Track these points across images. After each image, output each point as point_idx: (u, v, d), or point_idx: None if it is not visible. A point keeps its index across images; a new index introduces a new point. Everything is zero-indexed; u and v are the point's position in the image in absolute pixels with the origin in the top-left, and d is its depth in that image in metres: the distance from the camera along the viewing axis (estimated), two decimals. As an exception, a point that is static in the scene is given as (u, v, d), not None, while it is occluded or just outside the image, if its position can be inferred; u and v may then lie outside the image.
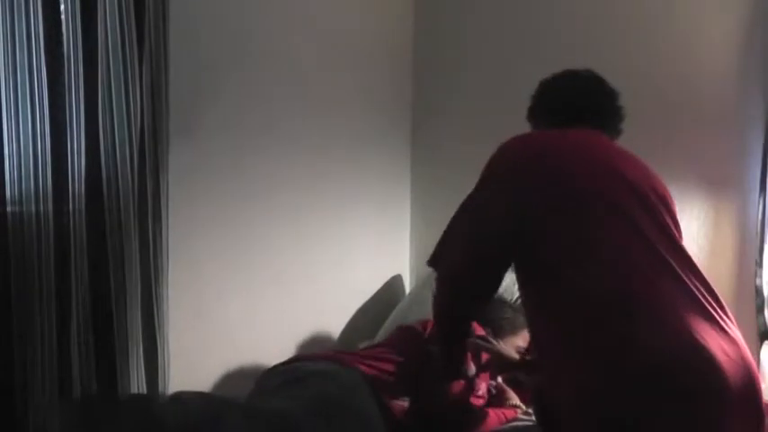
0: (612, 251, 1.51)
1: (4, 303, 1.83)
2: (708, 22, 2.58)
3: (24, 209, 1.84)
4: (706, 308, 1.48)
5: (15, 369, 1.84)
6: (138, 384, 2.11)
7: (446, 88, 3.25)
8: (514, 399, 2.45)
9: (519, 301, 2.64)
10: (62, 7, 1.88)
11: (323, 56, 2.82)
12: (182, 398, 1.88)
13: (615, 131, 1.81)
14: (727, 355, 1.42)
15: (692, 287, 1.49)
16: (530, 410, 2.42)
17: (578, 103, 1.80)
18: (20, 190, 1.83)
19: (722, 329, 1.47)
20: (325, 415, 1.95)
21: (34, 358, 1.85)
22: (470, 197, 1.71)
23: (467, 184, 3.29)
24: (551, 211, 1.56)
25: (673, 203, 1.67)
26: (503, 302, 2.54)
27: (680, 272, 1.50)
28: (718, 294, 1.55)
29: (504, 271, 1.67)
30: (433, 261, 1.77)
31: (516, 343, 2.39)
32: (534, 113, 1.87)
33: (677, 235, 1.59)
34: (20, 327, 1.84)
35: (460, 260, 1.69)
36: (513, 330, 2.42)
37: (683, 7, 2.64)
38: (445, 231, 1.76)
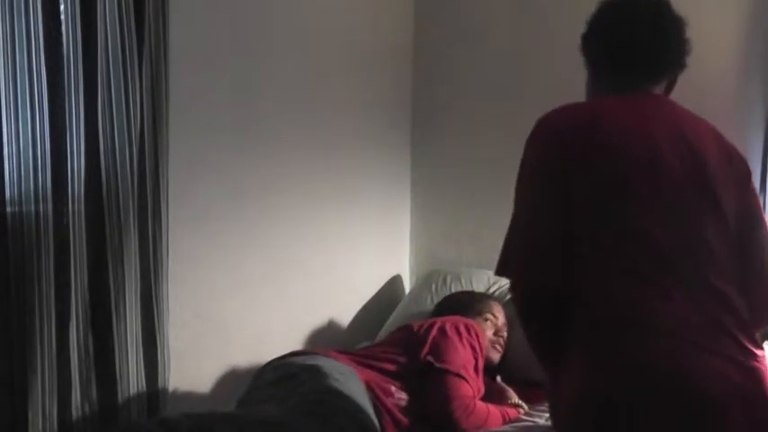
0: (621, 261, 1.40)
1: (4, 303, 1.82)
2: (708, 22, 2.58)
3: (24, 209, 1.84)
4: (714, 327, 1.36)
5: (15, 369, 1.84)
6: (137, 384, 2.11)
7: (446, 88, 3.25)
8: (515, 397, 2.46)
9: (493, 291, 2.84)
10: (62, 7, 1.88)
11: (323, 56, 2.82)
12: (168, 421, 1.88)
13: (679, 67, 1.61)
14: (726, 378, 1.31)
15: (704, 304, 1.37)
16: (532, 411, 2.42)
17: (632, 42, 1.58)
18: (19, 190, 1.83)
19: (731, 350, 1.34)
20: (316, 416, 1.95)
21: (34, 358, 1.85)
22: (516, 193, 1.55)
23: (467, 184, 3.31)
24: (571, 210, 1.45)
25: (728, 192, 1.48)
26: (466, 292, 2.84)
27: (696, 287, 1.38)
28: (741, 312, 1.41)
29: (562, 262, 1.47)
30: (501, 269, 1.58)
31: (481, 314, 2.62)
32: (587, 42, 1.64)
33: (714, 239, 1.42)
34: (19, 327, 1.84)
35: (522, 262, 1.51)
36: (473, 309, 2.65)
37: (683, 8, 2.64)
38: (506, 238, 1.57)
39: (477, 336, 2.47)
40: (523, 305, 1.53)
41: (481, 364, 2.45)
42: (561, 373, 1.44)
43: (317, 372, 2.15)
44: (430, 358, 2.33)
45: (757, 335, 1.44)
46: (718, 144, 1.52)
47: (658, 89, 1.60)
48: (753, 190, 1.55)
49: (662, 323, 1.35)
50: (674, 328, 1.35)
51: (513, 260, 1.53)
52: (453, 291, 2.97)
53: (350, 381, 2.16)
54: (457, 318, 2.54)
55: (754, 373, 1.34)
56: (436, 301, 2.92)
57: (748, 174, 1.55)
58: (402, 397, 2.27)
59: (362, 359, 2.37)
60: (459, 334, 2.43)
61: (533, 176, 1.52)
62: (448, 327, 2.44)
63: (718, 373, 1.31)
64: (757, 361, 1.36)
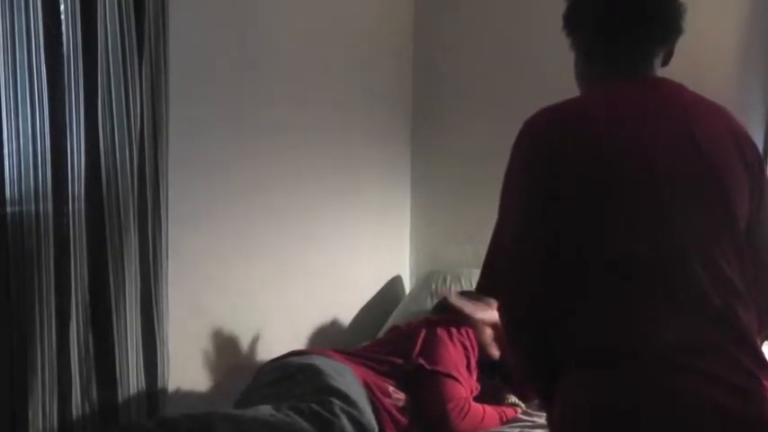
0: (615, 282, 1.32)
1: (4, 303, 1.82)
2: (708, 23, 2.58)
3: (24, 209, 1.84)
4: (711, 349, 1.28)
5: (15, 368, 1.84)
6: (137, 383, 2.11)
7: (446, 88, 3.25)
8: (512, 397, 2.45)
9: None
10: (62, 7, 1.88)
11: (323, 56, 2.82)
12: (167, 421, 1.88)
13: (676, 32, 1.47)
14: (719, 404, 1.23)
15: (702, 324, 1.29)
16: (529, 410, 2.42)
17: (621, 11, 1.44)
18: (19, 190, 1.83)
19: (727, 372, 1.26)
20: (315, 416, 1.94)
21: (34, 358, 1.85)
22: (501, 202, 1.44)
23: (467, 184, 3.31)
24: (560, 225, 1.35)
25: (741, 191, 1.37)
26: (466, 291, 2.78)
27: (694, 306, 1.30)
28: (744, 327, 1.31)
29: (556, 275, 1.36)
30: (489, 289, 1.50)
31: (486, 317, 2.54)
32: (570, 21, 1.51)
33: (719, 248, 1.32)
34: (20, 327, 1.84)
35: (512, 284, 1.40)
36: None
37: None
38: (488, 249, 1.47)
39: (467, 333, 2.46)
40: (516, 329, 1.42)
41: (474, 361, 2.43)
42: (555, 394, 1.37)
43: (314, 371, 2.14)
44: (421, 360, 2.31)
45: (759, 340, 1.38)
46: (730, 134, 1.40)
47: (657, 62, 1.48)
48: (765, 183, 1.43)
49: (657, 349, 1.27)
50: (669, 354, 1.27)
51: (500, 281, 1.42)
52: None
53: (347, 379, 2.15)
54: (446, 317, 2.54)
55: (752, 396, 1.26)
56: (436, 301, 2.92)
57: (761, 163, 1.42)
58: (399, 397, 2.27)
59: (358, 358, 2.36)
60: (450, 333, 2.41)
61: (519, 187, 1.40)
62: (438, 326, 2.42)
63: (710, 399, 1.24)
64: (757, 381, 1.28)
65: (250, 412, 1.96)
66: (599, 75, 1.50)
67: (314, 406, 1.97)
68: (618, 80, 1.46)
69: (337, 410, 1.98)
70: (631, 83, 1.45)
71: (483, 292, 1.53)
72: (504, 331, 1.49)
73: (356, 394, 2.11)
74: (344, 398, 2.04)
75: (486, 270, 1.46)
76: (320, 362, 2.21)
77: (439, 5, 3.25)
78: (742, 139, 1.42)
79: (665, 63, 1.51)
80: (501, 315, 1.49)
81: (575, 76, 1.57)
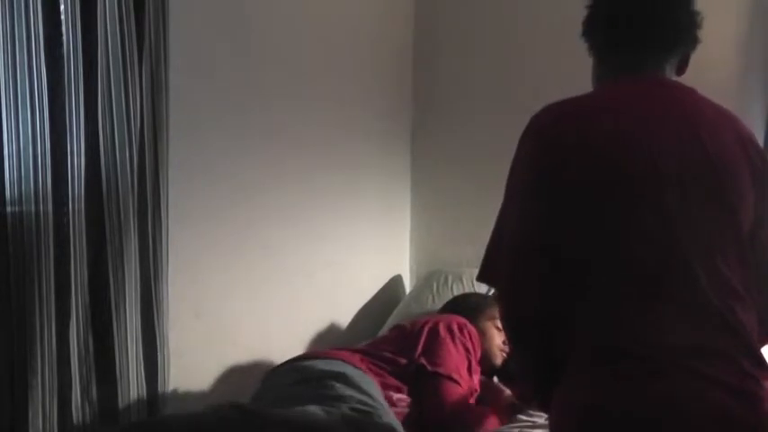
0: (614, 285, 1.32)
1: (4, 303, 1.82)
2: (708, 23, 2.58)
3: (24, 209, 1.84)
4: (712, 352, 1.27)
5: (15, 369, 1.84)
6: (137, 384, 2.11)
7: (446, 88, 3.25)
8: (512, 397, 2.45)
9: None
10: (62, 7, 1.88)
11: (323, 56, 2.82)
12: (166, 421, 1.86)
13: (690, 42, 1.49)
14: (720, 408, 1.24)
15: (703, 328, 1.29)
16: (529, 411, 2.42)
17: (634, 15, 1.46)
18: (19, 190, 1.83)
19: (727, 376, 1.26)
20: (357, 427, 1.89)
21: (34, 358, 1.85)
22: (505, 194, 1.46)
23: (467, 184, 3.31)
24: (560, 223, 1.35)
25: (746, 195, 1.37)
26: (479, 294, 2.76)
27: (695, 310, 1.29)
28: (744, 331, 1.31)
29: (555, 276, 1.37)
30: (488, 278, 1.51)
31: (493, 320, 2.55)
32: (588, 25, 1.52)
33: (722, 253, 1.32)
34: (19, 327, 1.84)
35: (508, 277, 1.42)
36: (484, 313, 2.59)
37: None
38: (489, 241, 1.49)
39: (470, 335, 2.44)
40: (511, 320, 1.44)
41: (475, 364, 2.42)
42: (554, 393, 1.36)
43: (346, 380, 2.08)
44: (423, 361, 2.31)
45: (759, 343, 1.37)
46: (736, 138, 1.40)
47: (669, 68, 1.48)
48: None
49: (656, 351, 1.27)
50: (669, 356, 1.27)
51: (499, 271, 1.43)
52: (455, 291, 2.96)
53: (373, 391, 2.11)
54: (450, 317, 2.52)
55: (751, 398, 1.26)
56: (437, 300, 2.91)
57: (767, 167, 1.42)
58: (403, 404, 2.24)
59: (371, 364, 2.30)
60: (452, 334, 2.40)
61: (522, 182, 1.41)
62: (441, 327, 2.41)
63: (709, 401, 1.24)
64: (757, 382, 1.28)
65: (297, 414, 1.88)
66: (610, 77, 1.51)
67: (356, 416, 1.92)
68: (627, 81, 1.46)
69: (378, 426, 1.93)
70: (639, 84, 1.45)
71: (482, 280, 1.52)
72: (501, 322, 1.52)
73: (388, 409, 2.08)
74: (385, 412, 2.01)
75: (486, 259, 1.48)
76: (348, 370, 2.13)
77: (439, 5, 3.25)
78: (748, 144, 1.42)
79: (680, 71, 1.51)
80: (499, 306, 1.50)
81: (591, 79, 1.57)
